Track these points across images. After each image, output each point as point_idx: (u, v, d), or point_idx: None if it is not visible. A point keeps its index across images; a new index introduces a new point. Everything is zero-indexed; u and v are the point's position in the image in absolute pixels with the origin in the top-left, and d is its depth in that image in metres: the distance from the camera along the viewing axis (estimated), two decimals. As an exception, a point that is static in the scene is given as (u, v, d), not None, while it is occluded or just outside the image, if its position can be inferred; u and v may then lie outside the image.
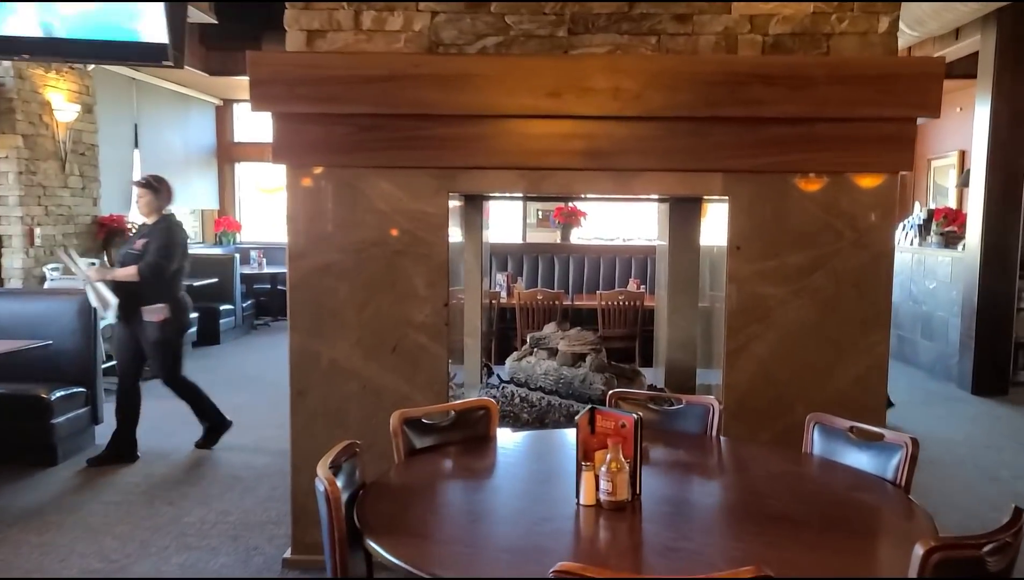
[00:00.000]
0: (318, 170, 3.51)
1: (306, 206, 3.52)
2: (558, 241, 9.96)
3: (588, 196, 4.73)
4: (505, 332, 7.09)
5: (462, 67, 3.36)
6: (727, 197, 3.48)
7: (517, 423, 4.15)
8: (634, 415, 2.18)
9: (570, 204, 9.58)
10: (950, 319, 7.92)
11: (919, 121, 3.57)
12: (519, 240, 11.20)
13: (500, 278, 7.47)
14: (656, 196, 4.55)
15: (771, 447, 3.22)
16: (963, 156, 10.03)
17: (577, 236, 10.28)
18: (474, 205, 4.69)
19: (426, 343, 3.54)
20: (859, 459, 2.56)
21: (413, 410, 2.70)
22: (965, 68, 8.20)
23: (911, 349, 8.76)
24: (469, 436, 2.74)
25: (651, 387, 4.50)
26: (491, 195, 4.63)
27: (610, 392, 3.05)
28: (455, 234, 4.13)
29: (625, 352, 7.05)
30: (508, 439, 2.97)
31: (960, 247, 7.88)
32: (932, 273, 8.36)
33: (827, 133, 3.39)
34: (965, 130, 9.09)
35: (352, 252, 3.53)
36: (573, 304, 7.79)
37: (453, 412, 2.76)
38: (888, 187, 3.45)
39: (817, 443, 2.72)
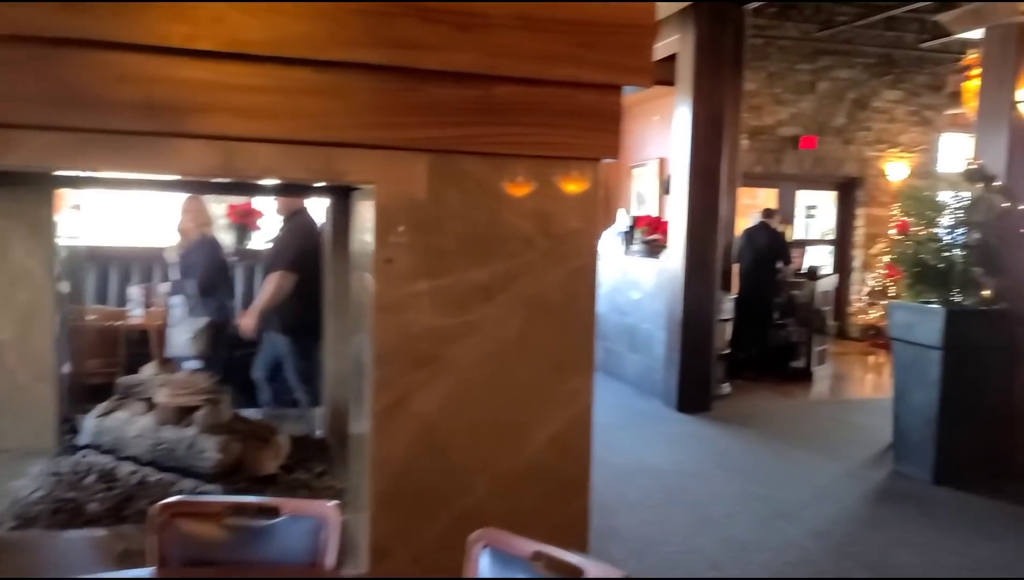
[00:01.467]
0: None
1: None
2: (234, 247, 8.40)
3: (161, 176, 3.32)
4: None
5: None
6: (373, 185, 2.38)
7: (79, 518, 2.74)
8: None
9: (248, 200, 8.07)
10: (655, 332, 7.59)
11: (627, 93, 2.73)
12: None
13: (136, 292, 5.85)
14: (271, 180, 3.36)
15: None
16: (663, 164, 9.99)
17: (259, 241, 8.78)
18: (30, 187, 3.20)
19: None
20: (549, 613, 1.55)
21: None
22: (662, 74, 8.00)
23: (618, 363, 8.40)
24: None
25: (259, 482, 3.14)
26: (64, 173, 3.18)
27: (162, 504, 1.80)
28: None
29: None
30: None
31: (663, 256, 7.57)
32: (636, 283, 8.03)
33: (511, 99, 2.40)
34: (663, 139, 8.97)
35: None
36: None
37: None
38: (590, 180, 2.54)
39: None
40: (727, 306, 7.81)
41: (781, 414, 7.26)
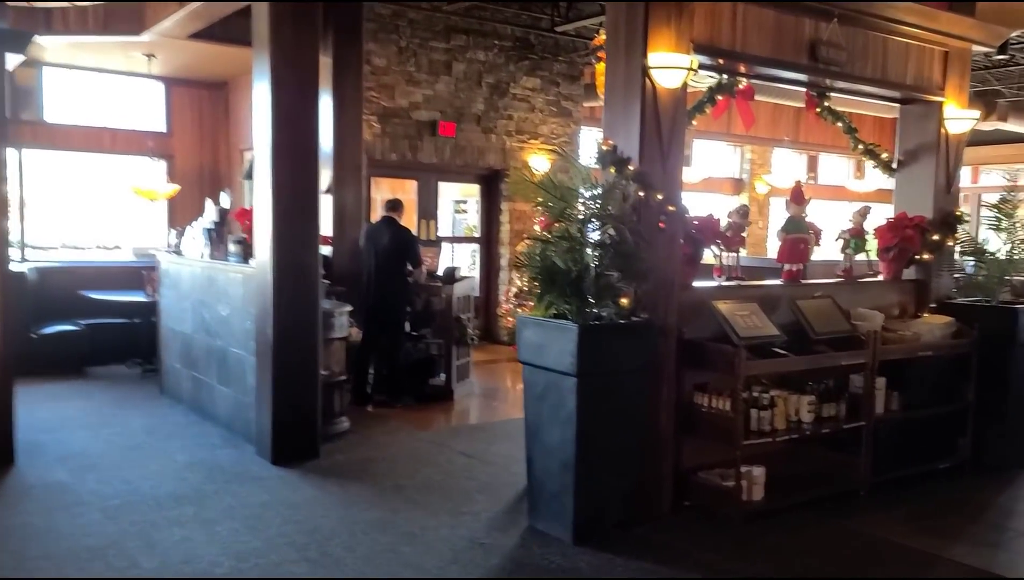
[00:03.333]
0: None
1: None
2: None
3: None
4: None
5: None
6: None
7: None
8: None
9: None
10: (247, 357, 5.83)
11: None
12: None
13: None
14: None
15: None
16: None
17: None
18: None
19: None
20: None
21: None
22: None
23: (209, 397, 6.51)
24: None
25: None
26: None
27: None
28: None
29: None
30: None
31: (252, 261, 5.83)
32: (225, 295, 6.20)
33: None
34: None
35: None
36: None
37: None
38: None
39: None
40: (342, 320, 6.28)
41: (408, 453, 5.89)
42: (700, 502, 4.68)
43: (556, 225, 4.41)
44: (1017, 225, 5.61)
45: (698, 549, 4.21)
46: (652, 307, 4.44)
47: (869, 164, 6.14)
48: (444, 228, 11.29)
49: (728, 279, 5.09)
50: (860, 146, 5.93)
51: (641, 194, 4.40)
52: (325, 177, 7.73)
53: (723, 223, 5.05)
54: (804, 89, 5.72)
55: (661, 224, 4.48)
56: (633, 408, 4.35)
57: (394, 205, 7.30)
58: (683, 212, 4.68)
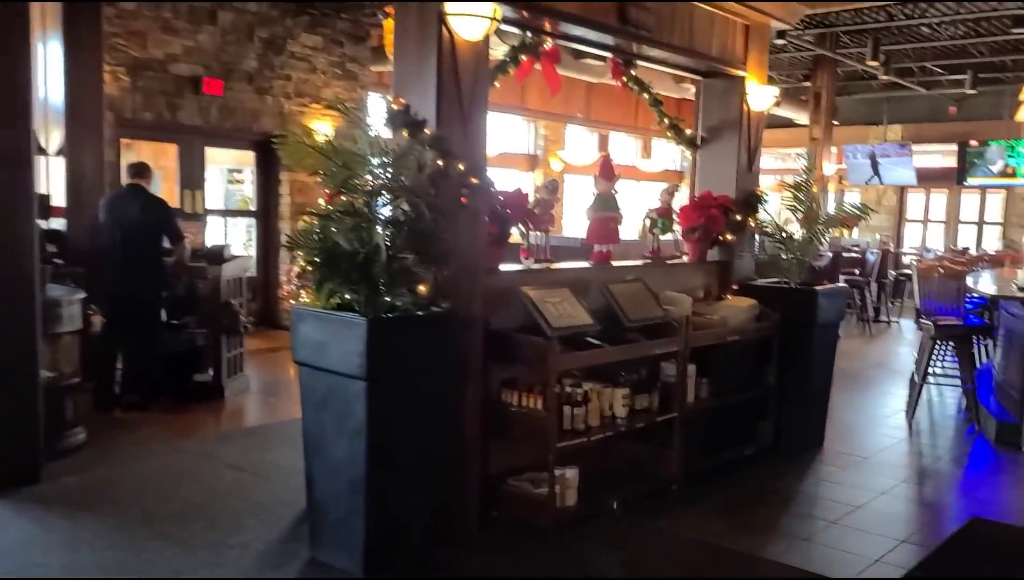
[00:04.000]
0: None
1: None
2: None
3: None
4: None
5: None
6: None
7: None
8: None
9: None
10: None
11: None
12: None
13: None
14: None
15: None
16: None
17: None
18: None
19: None
20: None
21: None
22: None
23: None
24: None
25: None
26: None
27: None
28: None
29: None
30: None
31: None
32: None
33: None
34: None
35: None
36: None
37: None
38: None
39: None
40: (73, 309, 5.13)
41: (162, 469, 4.90)
42: (511, 513, 4.15)
43: (339, 198, 3.65)
44: (814, 206, 5.56)
45: (511, 567, 3.70)
46: (455, 295, 3.82)
47: (672, 141, 5.88)
48: (214, 200, 10.04)
49: (537, 261, 4.58)
50: (666, 120, 5.64)
51: (440, 163, 3.74)
52: (56, 136, 6.40)
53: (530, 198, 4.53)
54: (610, 56, 5.32)
55: (463, 199, 3.85)
56: (434, 413, 3.71)
57: (140, 170, 6.13)
58: (488, 185, 4.09)
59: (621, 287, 4.58)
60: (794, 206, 5.57)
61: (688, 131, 5.79)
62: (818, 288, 5.35)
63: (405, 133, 3.73)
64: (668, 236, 5.44)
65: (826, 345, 5.53)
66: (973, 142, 14.91)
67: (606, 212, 4.84)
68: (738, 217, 5.55)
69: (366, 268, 3.46)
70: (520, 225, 4.40)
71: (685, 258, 5.55)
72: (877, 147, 15.60)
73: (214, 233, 9.41)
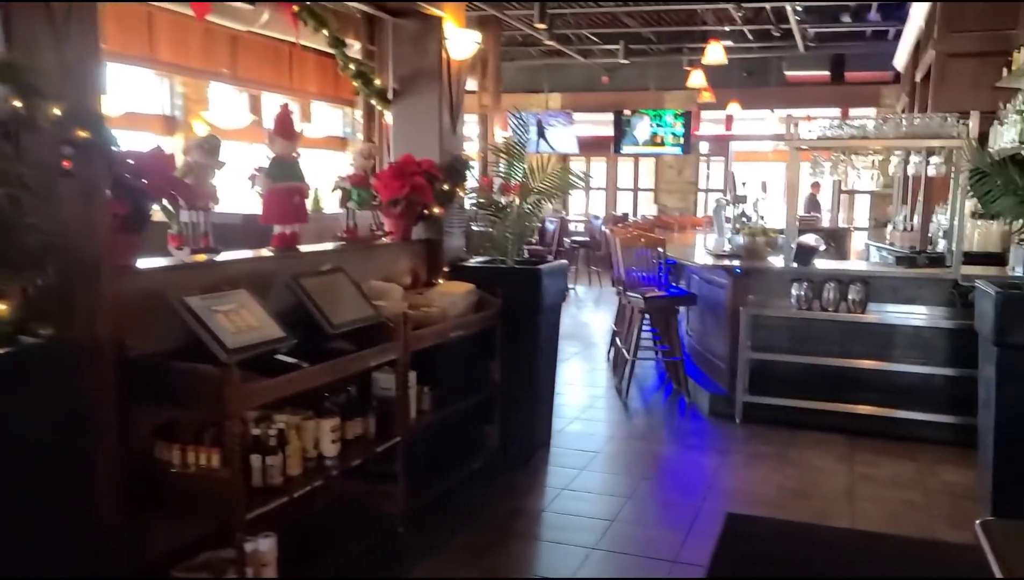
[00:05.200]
0: None
1: None
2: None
3: None
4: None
5: None
6: None
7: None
8: None
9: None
10: None
11: None
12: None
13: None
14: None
15: None
16: None
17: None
18: None
19: None
20: None
21: None
22: None
23: None
24: None
25: None
26: None
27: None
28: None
29: None
30: None
31: None
32: None
33: None
34: None
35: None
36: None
37: None
38: None
39: None
40: None
41: None
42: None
43: None
44: (530, 170, 4.86)
45: None
46: (64, 312, 2.44)
47: (361, 93, 4.81)
48: None
49: (194, 251, 3.27)
50: (352, 67, 4.54)
51: (19, 105, 2.32)
52: None
53: (178, 163, 3.20)
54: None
55: (66, 162, 2.46)
56: (40, 495, 2.32)
57: None
58: (109, 143, 2.70)
59: (317, 281, 3.44)
60: (508, 174, 4.81)
61: (379, 81, 4.75)
62: (541, 267, 4.65)
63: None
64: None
65: (551, 331, 4.88)
66: (627, 111, 15.71)
67: (289, 181, 3.65)
68: (445, 186, 4.67)
69: None
70: (165, 201, 3.05)
71: (386, 238, 4.53)
72: (543, 115, 15.82)
73: None
